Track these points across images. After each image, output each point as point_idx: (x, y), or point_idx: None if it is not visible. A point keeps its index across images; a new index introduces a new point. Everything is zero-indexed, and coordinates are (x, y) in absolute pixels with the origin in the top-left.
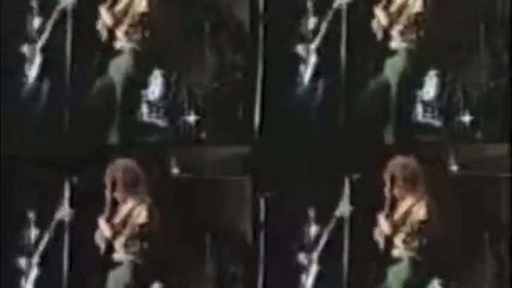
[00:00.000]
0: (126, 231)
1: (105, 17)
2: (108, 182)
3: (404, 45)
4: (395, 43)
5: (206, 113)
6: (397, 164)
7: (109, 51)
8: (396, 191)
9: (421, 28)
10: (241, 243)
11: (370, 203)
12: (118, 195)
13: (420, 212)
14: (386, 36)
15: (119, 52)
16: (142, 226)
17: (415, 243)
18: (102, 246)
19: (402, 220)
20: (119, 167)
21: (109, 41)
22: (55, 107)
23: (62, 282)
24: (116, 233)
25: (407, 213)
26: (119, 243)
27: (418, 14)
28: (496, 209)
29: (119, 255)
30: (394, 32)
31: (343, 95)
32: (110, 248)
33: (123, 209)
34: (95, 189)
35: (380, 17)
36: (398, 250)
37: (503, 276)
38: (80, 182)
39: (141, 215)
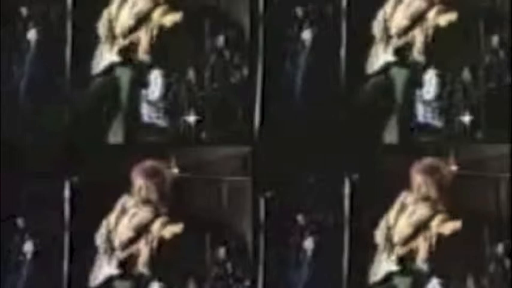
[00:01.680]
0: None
1: (105, 17)
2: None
3: (405, 45)
4: (396, 43)
5: (206, 113)
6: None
7: (109, 51)
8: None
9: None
10: (241, 243)
11: (370, 203)
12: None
13: (444, 227)
14: (386, 36)
15: (119, 52)
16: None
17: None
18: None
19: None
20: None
21: (109, 41)
22: (55, 106)
23: (62, 281)
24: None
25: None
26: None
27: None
28: (496, 209)
29: (118, 254)
30: (394, 32)
31: (343, 95)
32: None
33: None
34: (95, 189)
35: (380, 17)
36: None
37: (503, 276)
38: (80, 182)
39: (162, 229)
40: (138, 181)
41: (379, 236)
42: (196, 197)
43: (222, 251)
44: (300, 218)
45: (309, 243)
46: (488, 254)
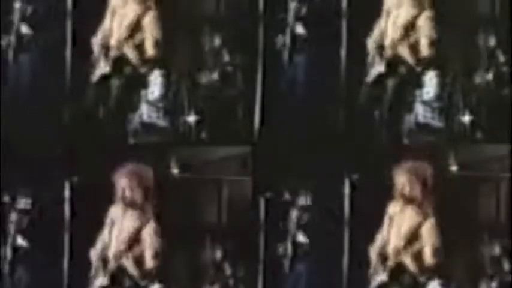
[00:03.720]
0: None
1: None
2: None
3: (404, 45)
4: (395, 43)
5: (206, 113)
6: (410, 168)
7: (109, 51)
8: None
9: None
10: (241, 243)
11: (370, 203)
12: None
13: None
14: (386, 35)
15: (119, 52)
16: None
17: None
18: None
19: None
20: (126, 172)
21: (109, 42)
22: (55, 106)
23: (63, 281)
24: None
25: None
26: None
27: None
28: (496, 209)
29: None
30: (393, 32)
31: (343, 96)
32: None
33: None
34: (94, 189)
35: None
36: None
37: (503, 276)
38: (80, 182)
39: (147, 237)
40: (122, 182)
41: (373, 252)
42: (196, 197)
43: (221, 251)
44: (299, 217)
45: (308, 243)
46: (488, 254)
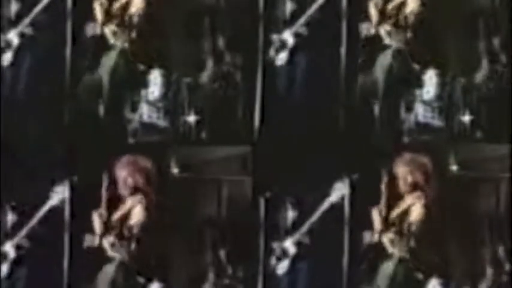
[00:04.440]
0: (123, 230)
1: (100, 16)
2: (112, 178)
3: (404, 44)
4: (393, 43)
5: (206, 113)
6: (406, 160)
7: (109, 50)
8: (397, 188)
9: (420, 28)
10: (241, 243)
11: (369, 202)
12: (118, 192)
13: (416, 212)
14: (386, 35)
15: (118, 52)
16: (139, 225)
17: (410, 243)
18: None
19: (399, 219)
20: (124, 164)
21: (109, 41)
22: (55, 106)
23: (63, 281)
24: (110, 231)
25: (404, 213)
26: (110, 242)
27: (414, 13)
28: (496, 209)
29: (116, 254)
30: (392, 32)
31: (343, 95)
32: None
33: (122, 208)
34: (94, 189)
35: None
36: (391, 249)
37: (502, 276)
38: (80, 182)
39: (137, 215)
40: (122, 173)
41: (374, 232)
42: (196, 197)
43: (222, 251)
44: (299, 217)
45: (308, 243)
46: (488, 254)
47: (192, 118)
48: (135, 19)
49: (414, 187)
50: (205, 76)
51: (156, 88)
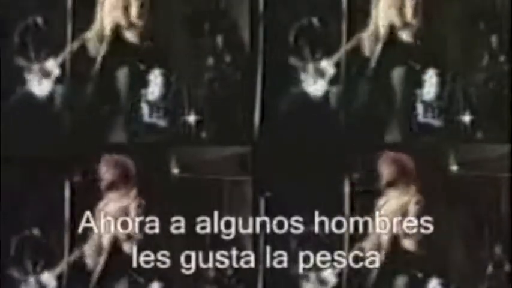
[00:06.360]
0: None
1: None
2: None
3: (404, 44)
4: (395, 42)
5: (206, 113)
6: (388, 159)
7: (110, 50)
8: (388, 187)
9: (420, 27)
10: (241, 243)
11: (369, 202)
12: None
13: (411, 210)
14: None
15: (119, 52)
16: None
17: (408, 242)
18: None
19: (393, 218)
20: (109, 163)
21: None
22: (55, 106)
23: (63, 281)
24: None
25: (398, 211)
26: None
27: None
28: (496, 209)
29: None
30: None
31: (343, 95)
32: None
33: (113, 207)
34: (94, 189)
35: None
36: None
37: (502, 276)
38: (80, 182)
39: (131, 214)
40: (102, 171)
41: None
42: (196, 197)
43: (222, 252)
44: (299, 217)
45: (308, 243)
46: (488, 254)
47: (192, 118)
48: (135, 19)
49: (394, 183)
50: (205, 76)
51: (156, 88)
